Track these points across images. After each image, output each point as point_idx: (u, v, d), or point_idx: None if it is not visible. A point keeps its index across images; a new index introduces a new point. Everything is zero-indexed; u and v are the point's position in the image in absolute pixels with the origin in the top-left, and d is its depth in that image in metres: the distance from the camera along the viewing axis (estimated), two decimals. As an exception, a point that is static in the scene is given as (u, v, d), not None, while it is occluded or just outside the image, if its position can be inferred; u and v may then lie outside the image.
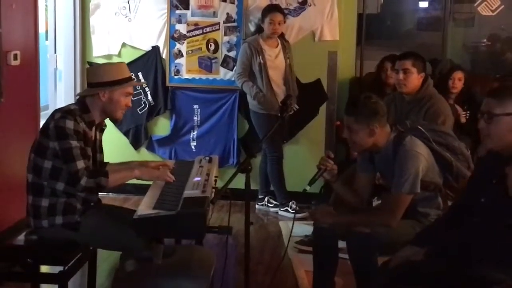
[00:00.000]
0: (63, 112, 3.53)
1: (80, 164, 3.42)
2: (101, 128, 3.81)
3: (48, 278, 3.78)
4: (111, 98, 3.62)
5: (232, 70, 6.47)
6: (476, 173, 3.27)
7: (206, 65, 6.58)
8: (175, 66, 6.60)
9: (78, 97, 3.84)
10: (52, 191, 3.51)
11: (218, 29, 6.53)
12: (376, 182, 3.97)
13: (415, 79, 4.69)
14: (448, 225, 3.23)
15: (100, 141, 3.81)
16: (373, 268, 3.50)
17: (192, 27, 6.55)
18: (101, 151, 3.83)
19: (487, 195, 3.00)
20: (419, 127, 3.76)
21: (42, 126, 3.57)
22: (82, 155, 3.44)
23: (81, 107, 3.61)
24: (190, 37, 6.56)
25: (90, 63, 6.59)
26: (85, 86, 6.43)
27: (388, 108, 4.39)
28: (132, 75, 6.31)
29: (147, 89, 6.63)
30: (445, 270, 2.99)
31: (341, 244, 3.89)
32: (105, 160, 3.89)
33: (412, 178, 3.53)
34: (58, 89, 6.89)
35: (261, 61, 6.05)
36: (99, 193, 3.63)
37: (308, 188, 3.67)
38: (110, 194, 6.22)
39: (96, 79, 3.64)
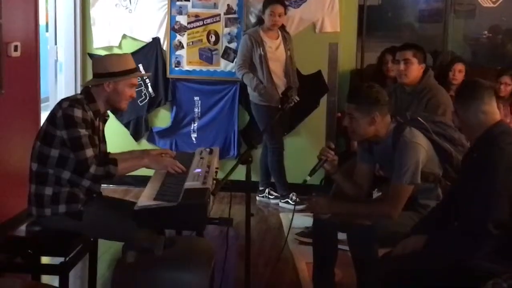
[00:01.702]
0: (71, 101, 3.55)
1: (89, 152, 3.44)
2: (104, 119, 3.83)
3: (49, 269, 3.77)
4: (115, 88, 3.63)
5: (232, 62, 6.47)
6: (464, 162, 3.38)
7: (206, 56, 6.57)
8: (176, 58, 6.60)
9: (83, 87, 3.85)
10: (56, 179, 3.53)
11: (219, 21, 6.52)
12: (376, 174, 3.98)
13: (415, 69, 4.69)
14: (443, 214, 3.26)
15: (103, 131, 3.83)
16: (373, 260, 3.50)
17: (193, 19, 6.54)
18: (105, 141, 3.84)
19: (473, 184, 3.05)
20: (419, 118, 3.76)
21: (49, 115, 3.58)
22: (91, 144, 3.46)
23: (87, 97, 3.63)
24: (191, 28, 6.55)
25: (91, 55, 6.59)
26: (86, 78, 6.54)
27: (389, 99, 4.38)
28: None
29: (147, 80, 6.63)
30: (443, 262, 3.01)
31: (341, 235, 3.89)
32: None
33: (412, 169, 3.53)
34: (58, 81, 6.89)
35: (262, 52, 6.05)
36: (106, 181, 3.64)
37: (308, 178, 3.67)
38: (111, 186, 6.22)
39: (101, 70, 3.65)
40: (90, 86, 3.70)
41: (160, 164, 3.70)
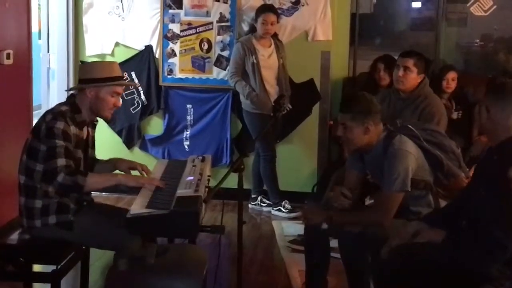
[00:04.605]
0: (54, 114, 3.52)
1: (61, 161, 3.39)
2: (93, 124, 3.81)
3: (41, 277, 3.77)
4: (97, 95, 3.60)
5: (225, 70, 6.47)
6: (481, 163, 3.32)
7: (199, 64, 6.58)
8: (168, 66, 6.60)
9: (69, 95, 3.83)
10: (45, 193, 3.51)
11: (212, 29, 6.53)
12: (370, 181, 3.98)
13: (413, 79, 4.68)
14: (453, 213, 3.26)
15: (93, 136, 3.82)
16: (365, 267, 3.50)
17: (186, 27, 6.55)
18: (93, 147, 3.83)
19: (488, 186, 3.02)
20: (409, 125, 3.77)
21: (33, 128, 3.57)
22: (65, 155, 3.41)
23: (72, 108, 3.60)
24: (183, 36, 6.56)
25: (83, 63, 6.58)
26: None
27: (382, 103, 4.38)
28: (125, 74, 6.41)
29: (140, 88, 6.63)
30: (442, 262, 3.01)
31: (333, 243, 3.90)
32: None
33: (402, 176, 3.53)
34: (51, 88, 6.88)
35: (254, 60, 6.06)
36: (76, 193, 3.56)
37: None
38: (103, 193, 6.21)
39: (85, 76, 3.64)
40: (75, 94, 3.69)
41: (137, 182, 3.63)
